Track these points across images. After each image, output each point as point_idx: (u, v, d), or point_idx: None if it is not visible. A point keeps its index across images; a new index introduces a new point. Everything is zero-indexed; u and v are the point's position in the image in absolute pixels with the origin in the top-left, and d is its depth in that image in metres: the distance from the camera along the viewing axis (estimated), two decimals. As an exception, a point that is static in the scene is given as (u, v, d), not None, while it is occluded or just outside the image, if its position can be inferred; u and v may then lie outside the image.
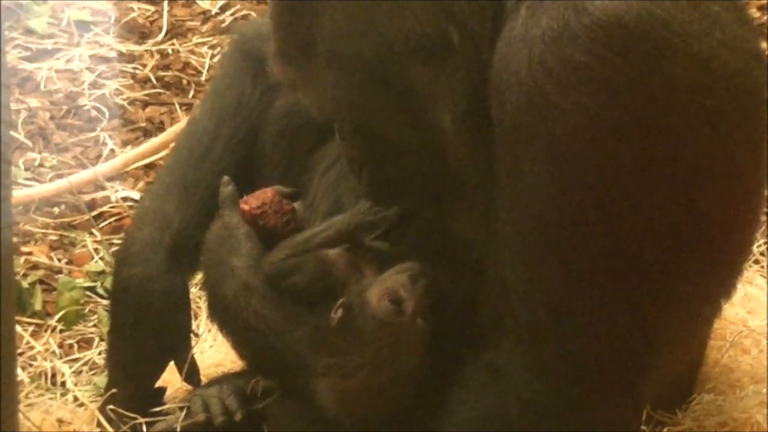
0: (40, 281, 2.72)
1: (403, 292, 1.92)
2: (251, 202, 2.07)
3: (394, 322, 1.90)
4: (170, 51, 3.54)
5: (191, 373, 2.18)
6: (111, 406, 2.14)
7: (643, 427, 2.03)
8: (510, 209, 1.72)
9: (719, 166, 1.70)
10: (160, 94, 3.39)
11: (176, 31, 3.61)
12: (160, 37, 3.58)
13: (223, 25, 3.61)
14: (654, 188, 1.67)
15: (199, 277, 2.26)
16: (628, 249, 1.69)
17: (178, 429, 2.03)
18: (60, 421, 2.22)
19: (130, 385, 2.19)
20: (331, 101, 1.84)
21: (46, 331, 2.58)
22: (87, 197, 2.98)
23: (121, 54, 3.52)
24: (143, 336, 2.17)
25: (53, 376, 2.43)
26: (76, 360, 2.50)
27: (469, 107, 1.75)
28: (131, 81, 3.42)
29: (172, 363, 2.21)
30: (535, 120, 1.65)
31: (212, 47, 3.54)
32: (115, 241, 2.76)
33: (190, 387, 2.19)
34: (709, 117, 1.67)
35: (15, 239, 2.79)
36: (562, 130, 1.64)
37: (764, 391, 2.20)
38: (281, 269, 2.00)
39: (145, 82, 3.42)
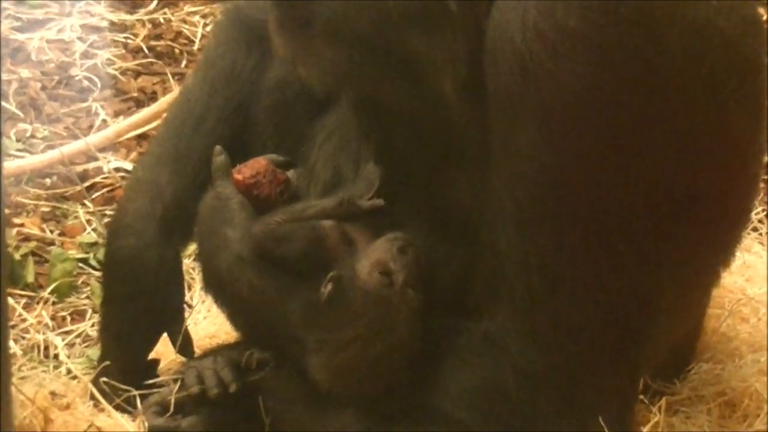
0: (32, 253, 2.70)
1: (392, 264, 1.91)
2: (244, 171, 2.06)
3: (384, 294, 1.90)
4: (162, 20, 3.52)
5: (185, 345, 2.18)
6: (104, 379, 2.15)
7: (641, 397, 2.03)
8: (504, 176, 1.73)
9: (715, 132, 1.70)
10: (152, 63, 3.37)
11: (168, 0, 3.59)
12: (152, 6, 3.56)
13: (216, -7, 3.60)
14: (648, 155, 1.67)
15: (192, 248, 2.26)
16: (622, 216, 1.70)
17: (172, 401, 2.02)
18: (53, 393, 2.20)
19: (124, 357, 2.19)
20: (331, 75, 1.84)
21: (38, 303, 2.57)
22: (79, 168, 2.97)
23: (112, 23, 3.51)
24: (136, 308, 2.17)
25: (46, 348, 2.42)
26: (68, 332, 2.49)
27: (470, 74, 1.75)
28: (123, 51, 3.41)
29: (165, 335, 2.21)
30: (529, 87, 1.66)
31: (204, 16, 3.52)
32: (108, 212, 2.74)
33: (183, 359, 2.19)
34: (704, 83, 1.67)
35: (6, 211, 2.78)
36: (555, 97, 1.65)
37: (763, 359, 2.21)
38: (274, 233, 1.99)
39: (137, 51, 3.41)
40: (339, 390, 1.93)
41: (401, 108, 1.85)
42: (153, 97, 3.24)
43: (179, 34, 3.48)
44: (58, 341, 2.43)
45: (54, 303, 2.57)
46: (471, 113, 1.79)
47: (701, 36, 1.67)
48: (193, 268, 2.46)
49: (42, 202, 2.87)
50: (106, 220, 2.67)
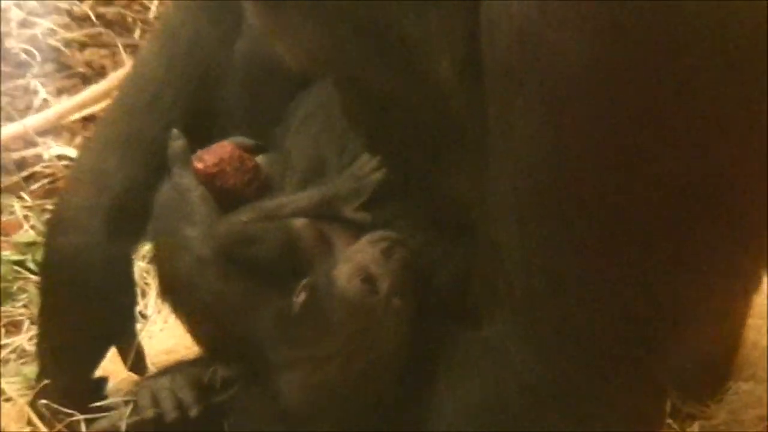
0: (-40, 254, 2.70)
1: (375, 269, 1.91)
2: (206, 158, 2.06)
3: (366, 303, 1.90)
4: (113, -16, 3.54)
5: (137, 361, 2.18)
6: (44, 401, 2.15)
7: (670, 421, 2.07)
8: (502, 162, 1.72)
9: (745, 116, 1.67)
10: (100, 34, 3.38)
11: (120, -40, 3.61)
12: (102, -33, 3.57)
13: (176, -48, 3.60)
14: (666, 139, 1.66)
15: (147, 248, 2.27)
16: (636, 208, 1.68)
17: (123, 427, 2.02)
18: (-17, 418, 2.21)
19: (65, 375, 2.19)
20: (310, 53, 1.84)
21: (-34, 313, 2.57)
22: (15, 155, 2.98)
23: (55, -12, 3.52)
24: (79, 317, 2.17)
25: (-25, 366, 2.42)
26: (2, 347, 2.50)
27: (470, 51, 1.74)
28: (67, 19, 3.41)
29: (114, 350, 2.21)
30: (527, 60, 1.64)
31: (162, -21, 3.53)
32: (49, 207, 2.75)
33: (136, 377, 2.20)
34: (730, 61, 1.64)
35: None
36: (557, 72, 1.63)
37: (811, 378, 2.22)
38: (241, 235, 1.99)
39: (83, 20, 3.41)
40: (316, 413, 1.93)
41: (390, 92, 1.85)
42: (101, 73, 3.25)
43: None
44: (-11, 357, 2.44)
45: (-15, 313, 2.58)
46: (471, 98, 1.78)
47: (728, 6, 1.64)
48: (148, 272, 2.48)
49: (-28, 195, 2.88)
50: (47, 215, 2.67)
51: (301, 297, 1.92)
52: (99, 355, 2.21)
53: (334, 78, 1.94)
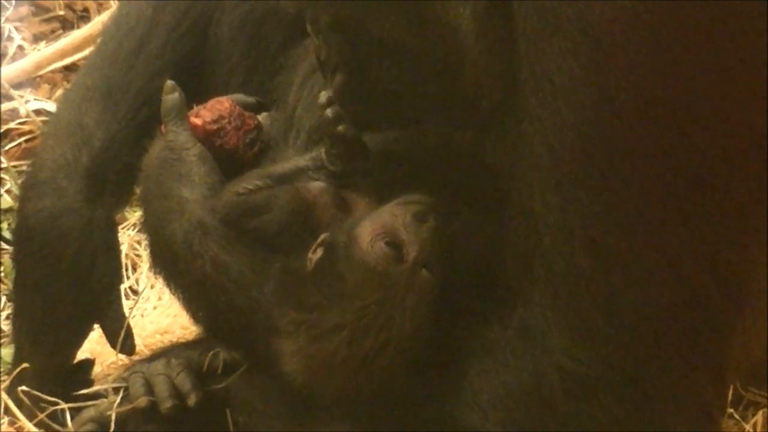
0: (-70, 221, 2.70)
1: (404, 233, 1.90)
2: (204, 114, 2.06)
3: (389, 271, 1.88)
4: None
5: (126, 342, 2.17)
6: (23, 387, 2.13)
7: (731, 410, 2.07)
8: (537, 120, 1.70)
9: None
10: (83, -29, 3.38)
11: None
12: None
13: None
14: (726, 88, 1.64)
15: (137, 214, 2.26)
16: (694, 169, 1.67)
17: (113, 417, 2.02)
18: (-43, 406, 2.19)
19: (43, 357, 2.19)
20: None
21: (-62, 287, 2.56)
22: (-12, 110, 2.98)
23: None
24: (56, 291, 2.17)
25: (-54, 348, 2.41)
26: (-27, 327, 2.48)
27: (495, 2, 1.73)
28: (45, -47, 3.42)
29: (99, 329, 2.21)
30: (565, 2, 1.63)
31: None
32: (27, 168, 2.75)
33: (126, 361, 2.19)
34: None
35: None
36: (599, 13, 1.62)
37: None
38: (247, 205, 1.99)
39: (63, -46, 3.42)
40: (314, 388, 1.92)
41: (394, 38, 1.84)
42: (84, 17, 3.26)
43: (119, -67, 3.49)
44: (-37, 338, 2.42)
45: (-42, 287, 2.57)
46: (498, 49, 1.77)
47: None
48: (139, 242, 2.47)
49: (-58, 156, 2.88)
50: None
51: (317, 254, 1.91)
52: (80, 335, 2.22)
53: (326, 18, 1.91)
